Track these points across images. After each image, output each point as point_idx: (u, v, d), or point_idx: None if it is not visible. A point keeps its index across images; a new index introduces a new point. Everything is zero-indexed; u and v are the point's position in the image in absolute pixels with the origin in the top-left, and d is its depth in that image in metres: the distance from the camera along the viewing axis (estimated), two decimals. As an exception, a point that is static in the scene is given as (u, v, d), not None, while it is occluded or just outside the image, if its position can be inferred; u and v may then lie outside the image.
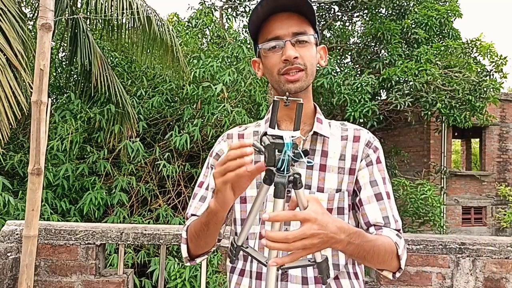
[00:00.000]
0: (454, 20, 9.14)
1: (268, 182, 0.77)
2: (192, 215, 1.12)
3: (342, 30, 10.30)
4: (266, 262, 0.83)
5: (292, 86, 1.01)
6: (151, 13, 4.92)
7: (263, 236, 0.76)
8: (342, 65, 9.85)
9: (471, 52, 8.70)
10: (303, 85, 1.03)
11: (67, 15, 4.98)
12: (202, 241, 1.03)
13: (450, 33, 9.14)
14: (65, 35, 5.67)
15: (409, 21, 8.89)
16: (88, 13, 5.18)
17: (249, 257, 1.05)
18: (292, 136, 0.76)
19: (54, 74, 6.43)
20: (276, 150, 0.75)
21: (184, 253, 1.09)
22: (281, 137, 0.75)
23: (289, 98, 0.83)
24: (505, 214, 11.29)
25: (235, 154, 0.77)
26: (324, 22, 9.82)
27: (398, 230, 1.04)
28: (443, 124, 10.67)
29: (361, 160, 1.08)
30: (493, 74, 8.65)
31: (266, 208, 1.05)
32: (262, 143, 0.77)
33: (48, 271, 2.51)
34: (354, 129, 1.12)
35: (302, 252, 0.78)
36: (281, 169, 0.75)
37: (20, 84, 3.57)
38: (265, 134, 0.78)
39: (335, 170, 1.06)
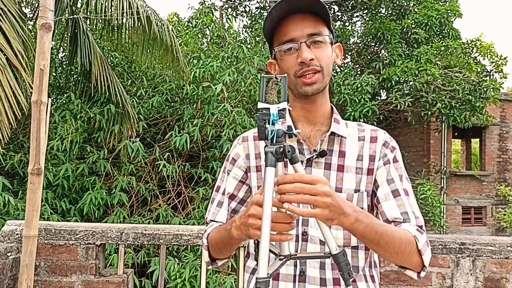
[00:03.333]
0: (454, 20, 9.14)
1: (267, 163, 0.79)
2: (211, 220, 1.15)
3: (342, 30, 10.30)
4: (278, 253, 0.85)
5: (309, 88, 1.01)
6: (151, 13, 4.92)
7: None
8: (342, 65, 9.85)
9: (471, 52, 8.70)
10: (320, 87, 1.02)
11: (67, 15, 4.98)
12: (225, 252, 1.09)
13: (450, 33, 9.14)
14: (65, 35, 5.67)
15: (409, 21, 8.89)
16: (88, 13, 5.17)
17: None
18: (279, 108, 0.78)
19: (54, 74, 6.42)
20: (266, 123, 0.78)
21: (206, 258, 1.13)
22: (268, 109, 0.79)
23: (277, 76, 0.87)
24: (505, 214, 11.30)
25: (280, 218, 0.82)
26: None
27: (420, 226, 1.00)
28: (443, 124, 10.67)
29: (379, 160, 1.06)
30: (493, 74, 8.65)
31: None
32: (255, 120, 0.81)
33: (48, 271, 2.51)
34: (371, 129, 1.11)
35: (310, 212, 0.79)
36: (272, 141, 0.78)
37: (20, 84, 3.57)
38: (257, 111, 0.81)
39: (352, 171, 1.05)
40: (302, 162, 1.05)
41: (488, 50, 8.53)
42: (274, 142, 0.78)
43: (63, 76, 6.59)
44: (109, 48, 6.50)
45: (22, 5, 5.57)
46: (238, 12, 9.54)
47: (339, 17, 10.10)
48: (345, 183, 1.04)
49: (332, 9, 9.78)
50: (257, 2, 9.14)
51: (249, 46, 7.82)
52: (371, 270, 1.07)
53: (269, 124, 0.78)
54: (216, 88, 5.56)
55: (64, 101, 5.54)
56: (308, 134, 1.07)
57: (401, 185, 1.04)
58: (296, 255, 0.88)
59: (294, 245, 1.02)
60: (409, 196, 1.04)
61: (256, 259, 1.03)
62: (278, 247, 0.89)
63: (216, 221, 1.13)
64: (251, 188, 1.11)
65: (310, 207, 0.80)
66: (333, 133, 1.06)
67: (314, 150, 1.05)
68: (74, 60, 5.22)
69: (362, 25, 10.51)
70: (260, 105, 0.80)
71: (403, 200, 1.02)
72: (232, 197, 1.13)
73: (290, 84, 1.04)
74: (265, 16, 1.08)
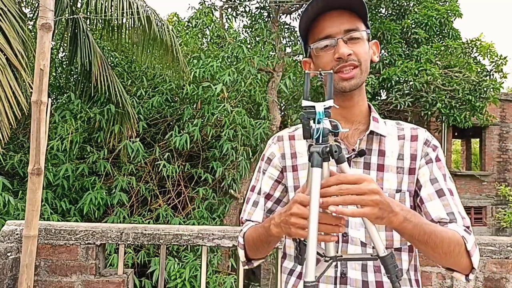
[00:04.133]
0: (454, 20, 9.13)
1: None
2: (247, 220, 1.13)
3: (342, 30, 10.27)
4: (323, 254, 0.82)
5: (347, 84, 0.99)
6: (151, 13, 4.92)
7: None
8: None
9: (471, 52, 8.70)
10: (358, 82, 1.00)
11: (67, 15, 4.98)
12: (262, 251, 1.06)
13: (450, 33, 9.14)
14: (65, 35, 5.67)
15: (409, 21, 8.89)
16: (88, 13, 5.17)
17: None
18: (325, 106, 0.76)
19: (54, 74, 6.43)
20: (311, 121, 0.76)
21: (242, 257, 1.11)
22: (313, 107, 0.76)
23: (321, 72, 0.85)
24: (505, 214, 11.30)
25: (328, 220, 0.80)
26: (324, 22, 9.81)
27: (467, 227, 0.97)
28: (443, 124, 10.67)
29: (421, 159, 1.03)
30: (493, 74, 8.64)
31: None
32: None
33: (48, 271, 2.51)
34: (411, 128, 1.08)
35: (360, 211, 0.76)
36: (318, 140, 0.75)
37: (20, 84, 3.57)
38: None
39: (393, 170, 1.02)
40: None
41: (488, 50, 8.53)
42: (320, 141, 0.75)
43: (63, 76, 6.59)
44: (109, 48, 6.50)
45: (22, 5, 5.57)
46: (238, 12, 9.54)
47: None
48: (386, 183, 1.01)
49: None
50: (257, 2, 9.14)
51: (249, 46, 7.82)
52: (416, 274, 1.04)
53: (314, 122, 0.75)
54: (216, 88, 5.56)
55: (64, 101, 5.55)
56: (346, 133, 1.05)
57: (445, 185, 1.01)
58: (342, 256, 0.86)
59: (334, 246, 0.99)
60: (454, 196, 1.01)
61: (295, 260, 1.02)
62: (323, 247, 0.86)
63: (252, 221, 1.11)
64: (287, 188, 1.09)
65: (357, 207, 0.78)
66: (372, 132, 1.04)
67: (353, 150, 1.02)
68: (74, 60, 5.22)
69: (362, 25, 10.47)
70: (305, 103, 0.77)
71: (448, 200, 0.99)
72: (268, 196, 1.12)
73: (326, 81, 1.02)
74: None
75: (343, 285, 0.97)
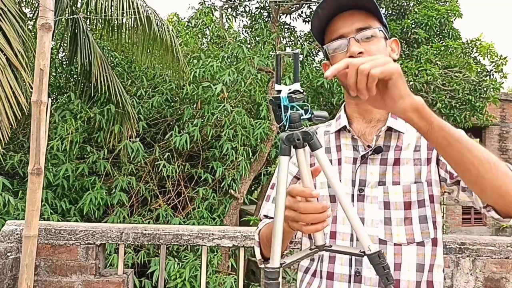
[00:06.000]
0: (454, 20, 9.13)
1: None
2: (265, 216, 1.13)
3: (342, 30, 10.28)
4: (363, 252, 0.76)
5: None
6: (151, 13, 4.92)
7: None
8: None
9: (471, 52, 8.70)
10: None
11: (67, 15, 4.98)
12: None
13: (450, 33, 9.13)
14: (65, 35, 5.67)
15: (409, 21, 8.89)
16: (88, 13, 5.17)
17: (320, 258, 1.02)
18: (290, 90, 0.71)
19: (54, 74, 6.42)
20: (278, 106, 0.71)
21: (258, 255, 1.08)
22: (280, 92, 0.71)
23: (289, 52, 0.78)
24: (505, 214, 11.28)
25: (310, 209, 0.77)
26: (324, 22, 9.82)
27: None
28: (443, 124, 10.65)
29: None
30: (493, 74, 8.64)
31: (337, 207, 1.02)
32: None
33: (48, 271, 2.51)
34: None
35: (384, 69, 0.70)
36: (288, 126, 0.72)
37: (20, 84, 3.57)
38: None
39: (410, 162, 1.00)
40: (356, 159, 1.02)
41: (488, 50, 8.53)
42: (289, 128, 0.71)
43: (63, 76, 6.59)
44: (109, 48, 6.50)
45: (22, 5, 5.57)
46: (238, 12, 9.54)
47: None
48: (403, 177, 0.98)
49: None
50: (257, 2, 9.14)
51: (249, 46, 7.82)
52: (437, 275, 0.99)
53: (280, 108, 0.71)
54: (216, 88, 5.56)
55: (64, 101, 5.55)
56: (363, 130, 1.04)
57: None
58: (330, 247, 0.83)
59: (349, 245, 0.98)
60: None
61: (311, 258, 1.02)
62: (354, 247, 0.84)
63: (270, 217, 1.11)
64: None
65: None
66: (390, 128, 1.02)
67: (369, 146, 1.02)
68: (74, 60, 5.22)
69: (362, 25, 10.47)
70: (276, 87, 0.73)
71: None
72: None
73: (343, 82, 1.00)
74: (314, 16, 1.05)
75: (357, 284, 0.96)
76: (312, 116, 0.74)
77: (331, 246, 0.84)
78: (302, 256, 0.80)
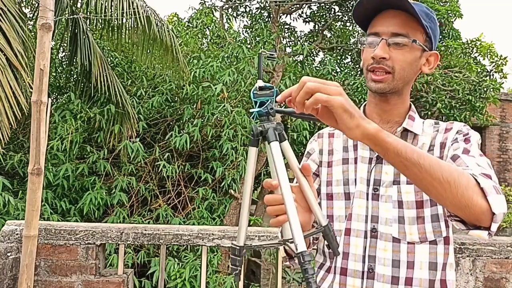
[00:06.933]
0: (455, 20, 9.13)
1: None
2: None
3: (342, 30, 10.29)
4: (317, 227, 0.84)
5: (374, 85, 0.99)
6: (151, 13, 4.92)
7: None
8: (342, 65, 9.85)
9: (471, 52, 8.70)
10: (386, 88, 0.99)
11: (67, 15, 4.98)
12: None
13: (450, 33, 9.14)
14: (65, 35, 5.67)
15: (409, 21, 8.89)
16: (88, 13, 5.17)
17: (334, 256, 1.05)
18: (255, 88, 0.77)
19: (54, 74, 6.42)
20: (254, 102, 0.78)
21: (283, 252, 1.10)
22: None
23: (273, 54, 0.87)
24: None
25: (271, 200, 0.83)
26: (324, 22, 9.82)
27: (486, 175, 0.83)
28: (443, 124, 10.66)
29: (451, 144, 0.99)
30: (493, 74, 8.65)
31: (352, 204, 1.04)
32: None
33: (48, 271, 2.51)
34: (448, 122, 1.06)
35: (329, 98, 0.72)
36: (262, 121, 0.78)
37: (20, 84, 3.57)
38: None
39: None
40: (372, 159, 1.04)
41: (488, 50, 8.53)
42: (256, 121, 0.78)
43: (63, 76, 6.59)
44: (109, 48, 6.50)
45: (22, 5, 5.57)
46: (238, 12, 9.54)
47: (340, 17, 10.10)
48: None
49: (333, 9, 9.78)
50: (257, 2, 9.14)
51: (249, 46, 7.82)
52: (450, 273, 0.99)
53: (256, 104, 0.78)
54: (216, 88, 5.56)
55: (64, 101, 5.55)
56: None
57: (461, 151, 0.93)
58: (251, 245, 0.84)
59: (363, 242, 1.00)
60: (473, 157, 0.90)
61: (323, 253, 1.07)
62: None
63: None
64: (321, 182, 1.12)
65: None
66: (406, 130, 1.03)
67: None
68: (74, 60, 5.22)
69: (362, 25, 10.48)
70: (258, 83, 0.80)
71: (462, 159, 0.90)
72: None
73: (365, 76, 1.03)
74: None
75: (370, 280, 0.97)
76: (271, 110, 0.78)
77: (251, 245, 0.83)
78: (263, 244, 0.84)
